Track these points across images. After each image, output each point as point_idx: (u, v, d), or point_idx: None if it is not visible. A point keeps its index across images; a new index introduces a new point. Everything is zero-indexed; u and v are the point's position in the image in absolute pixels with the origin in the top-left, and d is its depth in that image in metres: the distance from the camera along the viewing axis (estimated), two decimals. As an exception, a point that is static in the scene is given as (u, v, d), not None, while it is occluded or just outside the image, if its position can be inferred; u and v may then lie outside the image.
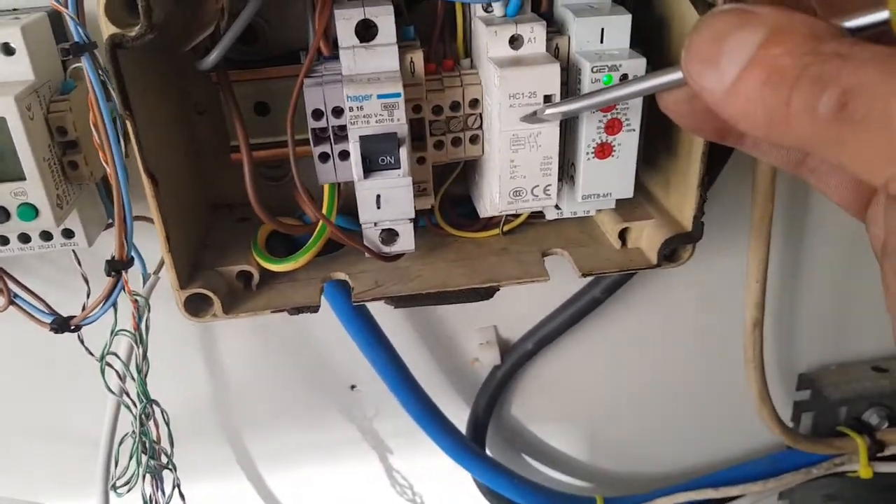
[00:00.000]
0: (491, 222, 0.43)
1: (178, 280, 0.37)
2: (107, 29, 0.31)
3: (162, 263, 0.45)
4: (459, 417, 0.55)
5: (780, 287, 0.55)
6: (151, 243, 0.39)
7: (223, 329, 0.51)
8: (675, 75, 0.24)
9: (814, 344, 0.59)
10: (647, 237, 0.40)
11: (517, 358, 0.53)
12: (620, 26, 0.35)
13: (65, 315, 0.43)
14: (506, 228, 0.42)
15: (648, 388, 0.59)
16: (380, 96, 0.33)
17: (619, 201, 0.40)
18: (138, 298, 0.41)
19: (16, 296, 0.44)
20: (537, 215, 0.43)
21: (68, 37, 0.39)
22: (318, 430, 0.56)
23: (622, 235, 0.41)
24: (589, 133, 0.35)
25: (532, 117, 0.33)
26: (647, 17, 0.37)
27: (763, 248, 0.46)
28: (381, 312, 0.50)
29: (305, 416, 0.56)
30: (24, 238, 0.40)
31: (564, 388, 0.57)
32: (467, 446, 0.53)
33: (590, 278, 0.50)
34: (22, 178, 0.35)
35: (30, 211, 0.36)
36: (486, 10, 0.36)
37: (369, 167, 0.35)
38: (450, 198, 0.43)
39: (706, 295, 0.54)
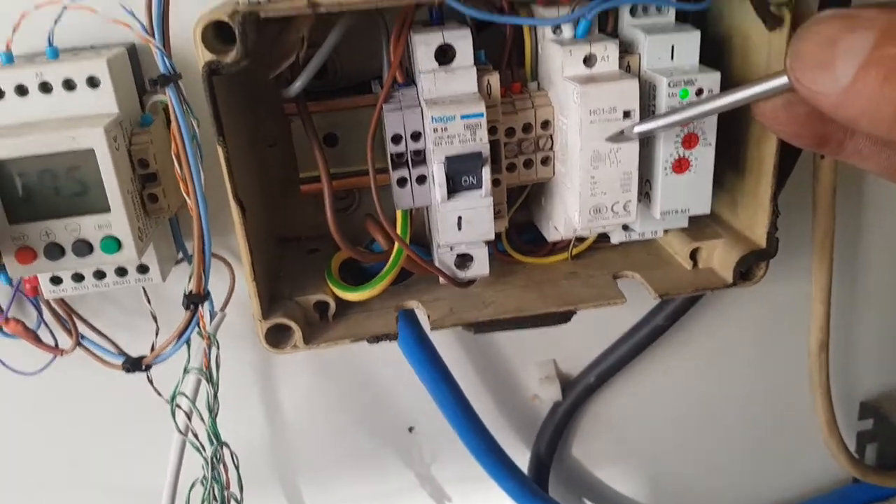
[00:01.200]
0: (556, 248, 0.43)
1: (260, 310, 0.37)
2: (203, 56, 0.32)
3: (227, 301, 0.45)
4: (519, 459, 0.54)
5: (838, 310, 0.54)
6: (216, 281, 0.39)
7: (281, 370, 0.50)
8: (779, 81, 0.25)
9: (874, 369, 0.58)
10: (719, 256, 0.40)
11: (579, 392, 0.52)
12: (690, 43, 0.36)
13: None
14: (574, 252, 0.42)
15: (710, 421, 0.58)
16: (463, 116, 0.34)
17: (685, 225, 0.41)
18: (210, 335, 0.41)
19: (83, 337, 0.44)
20: (602, 239, 0.43)
21: (142, 73, 0.41)
22: (375, 478, 0.55)
23: (693, 256, 0.41)
24: (667, 148, 0.36)
25: (619, 136, 0.33)
26: (706, 36, 0.38)
27: (826, 268, 0.46)
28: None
29: (362, 462, 0.54)
30: (100, 275, 0.41)
31: (625, 424, 0.56)
32: (533, 490, 0.52)
33: (651, 306, 0.50)
34: (106, 210, 0.36)
35: (113, 244, 0.36)
36: (554, 33, 0.37)
37: (452, 188, 0.35)
38: (512, 225, 0.43)
39: (767, 319, 0.54)
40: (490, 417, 0.53)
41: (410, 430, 0.54)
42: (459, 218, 0.36)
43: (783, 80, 0.25)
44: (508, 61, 0.39)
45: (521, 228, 0.44)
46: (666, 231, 0.42)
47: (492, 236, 0.37)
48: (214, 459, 0.41)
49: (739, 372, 0.56)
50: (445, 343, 0.50)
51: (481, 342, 0.52)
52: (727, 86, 0.34)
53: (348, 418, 0.53)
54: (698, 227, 0.42)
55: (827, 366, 0.49)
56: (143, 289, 0.44)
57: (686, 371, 0.55)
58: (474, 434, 0.49)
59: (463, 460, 0.53)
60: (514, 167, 0.39)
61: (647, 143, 0.37)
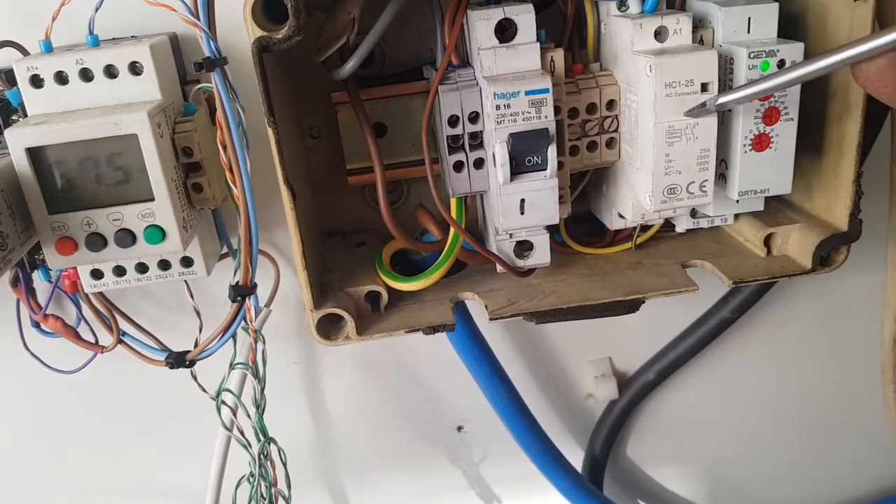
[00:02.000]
0: (617, 238, 0.41)
1: (311, 299, 0.35)
2: (253, 32, 0.30)
3: (272, 297, 0.44)
4: (572, 459, 0.52)
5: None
6: (260, 279, 0.37)
7: (326, 369, 0.49)
8: (891, 37, 0.23)
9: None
10: (796, 242, 0.38)
11: (638, 390, 0.50)
12: (767, 15, 0.34)
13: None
14: (638, 241, 0.40)
15: (773, 421, 0.55)
16: (528, 93, 0.32)
17: (760, 208, 0.38)
18: (257, 329, 0.40)
19: (124, 333, 0.42)
20: (667, 228, 0.41)
21: (184, 63, 0.39)
22: (423, 477, 0.53)
23: (766, 243, 0.39)
24: (746, 124, 0.33)
25: (700, 109, 0.31)
26: (779, 14, 0.36)
27: (905, 255, 0.43)
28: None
29: (409, 461, 0.52)
30: (142, 268, 0.39)
31: (683, 423, 0.54)
32: (588, 490, 0.49)
33: (713, 301, 0.48)
34: (150, 198, 0.34)
35: (157, 233, 0.35)
36: (620, 10, 0.35)
37: (515, 169, 0.33)
38: (570, 215, 0.41)
39: (836, 312, 0.51)
40: (542, 417, 0.51)
41: (459, 429, 0.52)
42: (522, 201, 0.34)
43: (894, 35, 0.23)
44: (569, 42, 0.37)
45: (579, 220, 0.42)
46: (737, 217, 0.39)
47: (556, 220, 0.34)
48: (262, 456, 0.40)
49: (806, 368, 0.53)
50: (496, 341, 0.48)
51: (534, 340, 0.50)
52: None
53: (395, 417, 0.51)
54: (770, 212, 0.39)
55: (902, 360, 0.46)
56: (187, 283, 0.42)
57: (750, 367, 0.52)
58: (528, 431, 0.47)
59: (513, 460, 0.51)
60: (577, 150, 0.36)
61: (723, 120, 0.34)
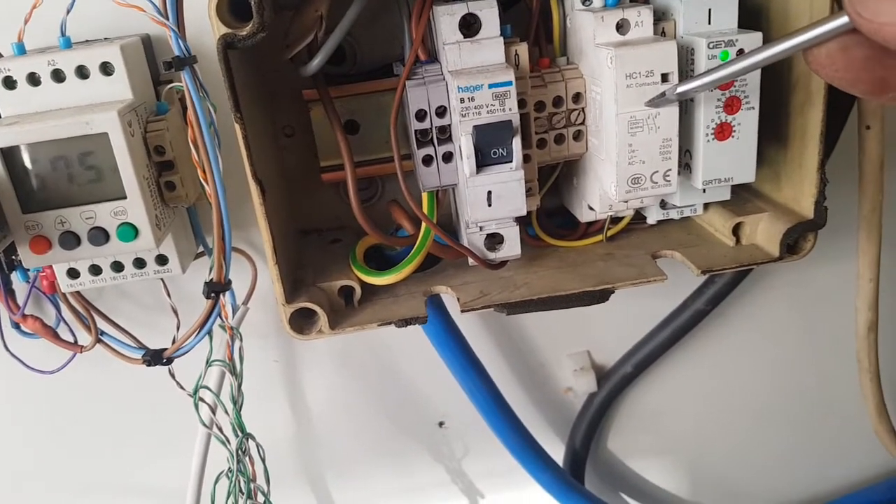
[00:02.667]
0: (589, 230, 0.42)
1: (283, 294, 0.35)
2: (218, 29, 0.30)
3: (250, 295, 0.44)
4: (552, 453, 0.52)
5: (886, 289, 0.51)
6: (238, 276, 0.38)
7: (305, 364, 0.49)
8: (836, 22, 0.23)
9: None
10: (764, 231, 0.38)
11: (616, 382, 0.50)
12: (727, 6, 0.34)
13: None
14: (609, 233, 0.41)
15: (751, 411, 0.55)
16: (491, 86, 0.32)
17: (727, 197, 0.39)
18: (233, 326, 0.40)
19: (102, 333, 0.42)
20: (638, 220, 0.41)
21: (157, 64, 0.40)
22: (405, 473, 0.53)
23: (735, 232, 0.39)
24: (707, 113, 0.34)
25: (660, 99, 0.32)
26: (740, 6, 0.36)
27: (875, 243, 0.44)
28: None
29: (391, 457, 0.53)
30: (118, 266, 0.39)
31: (663, 414, 0.54)
32: (570, 483, 0.50)
33: (689, 292, 0.48)
34: (122, 196, 0.35)
35: (130, 231, 0.35)
36: (584, 4, 0.35)
37: (481, 162, 0.33)
38: (543, 209, 0.42)
39: (810, 302, 0.52)
40: (523, 412, 0.51)
41: (440, 424, 0.52)
42: (489, 193, 0.34)
43: (842, 20, 0.23)
44: (535, 37, 0.37)
45: (552, 213, 0.42)
46: (706, 207, 0.40)
47: (524, 212, 0.35)
48: (240, 451, 0.40)
49: (782, 358, 0.54)
50: (475, 337, 0.48)
51: (513, 335, 0.50)
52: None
53: (375, 413, 0.51)
54: (739, 202, 0.40)
55: (876, 348, 0.47)
56: (163, 281, 0.42)
57: (726, 358, 0.53)
58: (507, 425, 0.48)
59: (495, 454, 0.51)
60: (545, 143, 0.37)
61: (686, 110, 0.35)
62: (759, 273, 0.49)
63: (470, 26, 0.34)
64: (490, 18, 0.33)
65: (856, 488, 0.56)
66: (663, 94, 0.31)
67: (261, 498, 0.41)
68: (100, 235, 0.35)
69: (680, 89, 0.31)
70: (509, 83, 0.32)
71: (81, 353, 0.42)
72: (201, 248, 0.43)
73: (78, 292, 0.41)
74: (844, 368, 0.50)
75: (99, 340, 0.42)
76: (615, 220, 0.41)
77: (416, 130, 0.35)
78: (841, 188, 0.45)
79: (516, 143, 0.33)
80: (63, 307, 0.42)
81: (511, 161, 0.33)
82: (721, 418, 0.55)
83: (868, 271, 0.45)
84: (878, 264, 0.44)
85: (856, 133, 0.42)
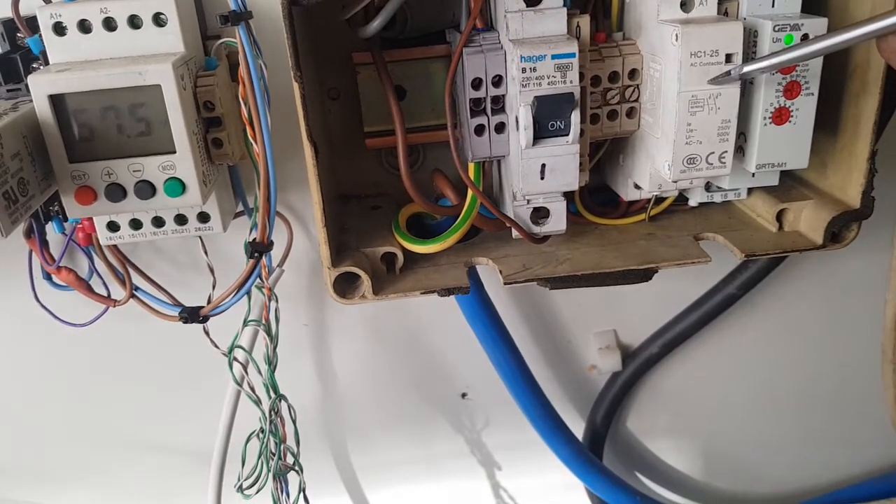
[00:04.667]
0: (630, 210, 0.42)
1: (329, 257, 0.35)
2: (283, -15, 0.30)
3: (284, 257, 0.44)
4: (573, 429, 0.53)
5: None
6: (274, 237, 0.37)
7: (335, 329, 0.49)
8: None
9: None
10: (808, 218, 0.38)
11: (641, 363, 0.51)
12: (792, -11, 0.34)
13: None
14: (652, 213, 0.41)
15: (772, 397, 0.56)
16: (554, 56, 0.32)
17: (775, 183, 0.39)
18: (271, 287, 0.40)
19: (136, 288, 0.42)
20: (680, 202, 0.41)
21: (205, 19, 0.39)
22: (425, 442, 0.54)
23: (779, 218, 0.39)
24: (767, 97, 0.34)
25: (724, 77, 0.31)
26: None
27: (911, 237, 0.44)
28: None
29: (413, 425, 0.53)
30: (159, 222, 0.39)
31: (683, 397, 0.54)
32: (589, 459, 0.50)
33: (720, 277, 0.49)
34: (171, 150, 0.34)
35: (177, 186, 0.35)
36: (646, -21, 0.35)
37: (538, 133, 0.33)
38: (584, 186, 0.41)
39: (841, 292, 0.52)
40: (546, 387, 0.51)
41: (463, 395, 0.53)
42: (543, 165, 0.34)
43: None
44: (593, 10, 0.37)
45: (592, 191, 0.42)
46: (749, 192, 0.40)
47: (576, 186, 0.35)
48: (272, 412, 0.40)
49: (807, 347, 0.54)
50: (504, 310, 0.48)
51: (541, 310, 0.50)
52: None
53: (400, 381, 0.51)
54: (783, 188, 0.40)
55: (902, 341, 0.47)
56: (201, 239, 0.42)
57: (752, 344, 0.53)
58: (532, 398, 0.48)
59: (514, 428, 0.51)
60: (598, 118, 0.37)
61: (745, 93, 0.34)
62: (790, 262, 0.49)
63: (533, -5, 0.34)
64: (554, -12, 0.33)
65: (869, 477, 0.57)
66: (728, 72, 0.31)
67: (290, 459, 0.41)
68: (147, 189, 0.35)
69: (746, 69, 0.30)
70: (573, 55, 0.32)
71: (115, 307, 0.42)
72: (240, 207, 0.42)
73: (115, 246, 0.41)
74: (867, 359, 0.50)
75: (133, 295, 0.42)
76: (658, 200, 0.41)
77: (470, 99, 0.35)
78: (879, 179, 0.45)
79: (575, 116, 0.33)
80: (97, 260, 0.42)
81: (568, 134, 0.33)
82: (742, 404, 0.56)
83: (901, 264, 0.45)
84: (911, 258, 0.45)
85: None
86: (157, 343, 0.47)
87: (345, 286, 0.36)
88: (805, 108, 0.34)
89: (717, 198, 0.40)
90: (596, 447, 0.52)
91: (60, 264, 0.42)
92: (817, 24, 0.33)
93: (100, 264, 0.42)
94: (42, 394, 0.50)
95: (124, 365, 0.49)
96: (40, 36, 0.35)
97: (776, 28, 0.32)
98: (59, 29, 0.35)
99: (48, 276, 0.43)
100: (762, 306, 0.51)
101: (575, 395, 0.54)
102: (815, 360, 0.55)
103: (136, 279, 0.42)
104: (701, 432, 0.57)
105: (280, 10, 0.31)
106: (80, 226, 0.40)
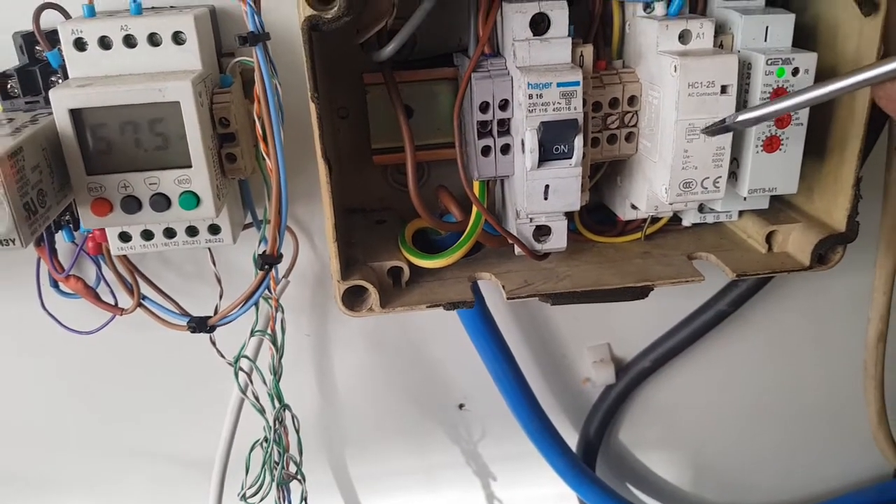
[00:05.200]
0: (627, 228, 0.43)
1: (339, 271, 0.36)
2: (304, 11, 0.31)
3: (290, 269, 0.45)
4: (567, 441, 0.54)
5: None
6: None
7: (336, 341, 0.50)
8: None
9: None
10: (796, 240, 0.40)
11: (634, 376, 0.52)
12: (784, 25, 0.36)
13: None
14: (648, 232, 0.42)
15: (760, 411, 0.58)
16: (560, 84, 0.34)
17: (765, 206, 0.40)
18: (278, 298, 0.41)
19: (144, 297, 0.43)
20: (674, 222, 0.43)
21: (220, 37, 0.40)
22: (421, 452, 0.55)
23: (768, 240, 0.41)
24: (759, 126, 0.35)
25: (719, 126, 0.33)
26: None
27: (892, 258, 0.46)
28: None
29: (411, 436, 0.54)
30: (170, 233, 0.40)
31: (674, 410, 0.56)
32: (583, 470, 0.51)
33: (711, 294, 0.50)
34: (188, 165, 0.35)
35: (192, 199, 0.36)
36: (645, 11, 0.37)
37: (542, 156, 0.35)
38: (583, 206, 0.43)
39: (826, 310, 0.54)
40: (541, 399, 0.53)
41: (461, 406, 0.54)
42: (547, 186, 0.35)
43: None
44: (595, 38, 0.38)
45: (590, 210, 0.44)
46: (741, 214, 0.41)
47: (577, 206, 0.36)
48: (276, 422, 0.41)
49: (794, 362, 0.56)
50: (502, 324, 0.50)
51: (538, 324, 0.51)
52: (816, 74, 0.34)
53: (399, 392, 0.53)
54: (773, 211, 0.41)
55: (883, 357, 0.49)
56: (210, 251, 0.43)
57: (742, 359, 0.55)
58: (529, 410, 0.49)
59: (510, 439, 0.52)
60: (598, 142, 0.38)
61: (738, 120, 0.36)
62: (779, 280, 0.51)
63: (538, 24, 0.35)
64: (560, 19, 0.35)
65: (852, 489, 0.59)
66: (723, 121, 0.33)
67: (293, 468, 0.42)
68: (162, 202, 0.36)
69: (740, 118, 0.32)
70: (577, 83, 0.34)
71: (122, 315, 0.43)
72: (249, 219, 0.43)
73: (125, 255, 0.41)
74: (850, 375, 0.52)
75: (140, 304, 0.43)
76: (654, 220, 0.42)
77: (477, 121, 0.36)
78: (863, 203, 0.47)
79: (578, 140, 0.34)
80: (106, 269, 0.43)
81: (571, 157, 0.35)
82: (731, 417, 0.57)
83: (883, 284, 0.47)
84: (893, 278, 0.47)
85: (884, 149, 0.44)
86: (161, 352, 0.48)
87: (353, 299, 0.38)
88: (795, 136, 0.36)
89: (710, 219, 0.42)
90: (589, 458, 0.54)
91: (70, 273, 0.43)
92: (808, 59, 0.34)
93: (108, 273, 0.43)
94: (46, 401, 0.50)
95: (129, 373, 0.49)
96: (59, 50, 0.36)
97: (769, 62, 0.34)
98: (80, 44, 0.36)
99: (55, 284, 0.43)
100: (751, 323, 0.53)
101: (569, 408, 0.55)
102: (802, 375, 0.57)
103: (144, 288, 0.43)
104: (691, 444, 0.58)
105: (295, 32, 0.32)
106: (91, 235, 0.41)
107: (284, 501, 0.42)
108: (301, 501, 0.43)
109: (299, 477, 0.42)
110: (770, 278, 0.49)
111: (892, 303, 0.52)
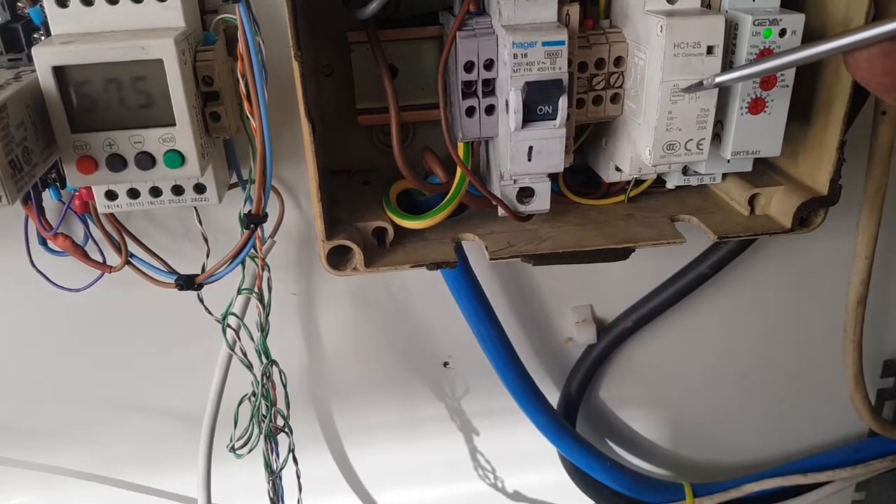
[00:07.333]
0: (610, 191, 0.43)
1: (324, 230, 0.36)
2: (286, -34, 0.31)
3: (276, 229, 0.45)
4: (549, 398, 0.55)
5: (877, 267, 0.54)
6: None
7: (322, 299, 0.51)
8: (884, 28, 0.25)
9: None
10: (778, 203, 0.41)
11: (615, 336, 0.53)
12: (772, -14, 0.35)
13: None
14: (631, 194, 0.42)
15: (738, 371, 0.59)
16: (545, 44, 0.33)
17: (749, 169, 0.41)
18: (264, 257, 0.41)
19: (131, 255, 0.43)
20: (657, 184, 0.43)
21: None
22: (406, 407, 0.56)
23: (750, 202, 0.41)
24: (744, 87, 0.35)
25: (698, 87, 0.33)
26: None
27: (875, 222, 0.46)
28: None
29: (396, 391, 0.55)
30: (156, 192, 0.40)
31: (654, 369, 0.57)
32: (563, 426, 0.53)
33: (692, 257, 0.51)
34: (172, 123, 0.35)
35: (177, 158, 0.36)
36: (633, -30, 0.36)
37: (526, 117, 0.35)
38: (566, 167, 0.43)
39: (806, 273, 0.54)
40: (524, 358, 0.53)
41: (445, 364, 0.55)
42: (531, 148, 0.36)
43: (889, 26, 0.25)
44: (582, -3, 0.38)
45: (574, 172, 0.44)
46: (724, 176, 0.42)
47: (561, 168, 0.36)
48: (264, 376, 0.42)
49: (774, 324, 0.57)
50: (486, 284, 0.50)
51: (521, 285, 0.52)
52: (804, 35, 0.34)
53: (385, 350, 0.53)
54: (756, 174, 0.42)
55: (862, 321, 0.50)
56: (196, 210, 0.43)
57: (721, 321, 0.56)
58: (511, 368, 0.50)
59: (493, 396, 0.53)
60: (583, 103, 0.38)
61: (723, 83, 0.36)
62: (760, 243, 0.52)
63: (525, -18, 0.35)
64: (545, -24, 0.34)
65: (829, 448, 0.60)
66: (701, 82, 0.33)
67: (280, 421, 0.43)
68: (147, 160, 0.36)
69: (718, 80, 0.32)
70: (562, 43, 0.33)
71: (110, 273, 0.43)
72: (234, 179, 0.44)
73: (111, 214, 0.42)
74: (829, 338, 0.53)
75: (128, 262, 0.43)
76: (637, 182, 0.42)
77: (462, 81, 0.36)
78: (847, 166, 0.47)
79: (563, 101, 0.34)
80: (93, 227, 0.43)
81: (555, 118, 0.35)
82: (710, 376, 0.59)
83: (865, 248, 0.47)
84: (874, 242, 0.47)
85: (870, 116, 0.44)
86: (149, 309, 0.49)
87: (337, 259, 0.38)
88: (780, 99, 0.36)
89: (694, 181, 0.42)
90: (570, 415, 0.55)
91: (57, 231, 0.43)
92: (795, 20, 0.34)
93: (96, 231, 0.43)
94: (36, 357, 0.51)
95: (119, 330, 0.50)
96: (42, 6, 0.36)
97: (756, 22, 0.34)
98: (62, 1, 0.35)
99: (44, 242, 0.44)
100: (732, 285, 0.54)
101: (551, 366, 0.56)
102: (781, 337, 0.57)
103: (131, 246, 0.43)
104: (670, 403, 0.60)
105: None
106: (78, 194, 0.41)
107: (272, 453, 0.43)
108: (288, 453, 0.44)
109: (286, 430, 0.43)
110: (752, 241, 0.50)
111: (873, 266, 0.53)
